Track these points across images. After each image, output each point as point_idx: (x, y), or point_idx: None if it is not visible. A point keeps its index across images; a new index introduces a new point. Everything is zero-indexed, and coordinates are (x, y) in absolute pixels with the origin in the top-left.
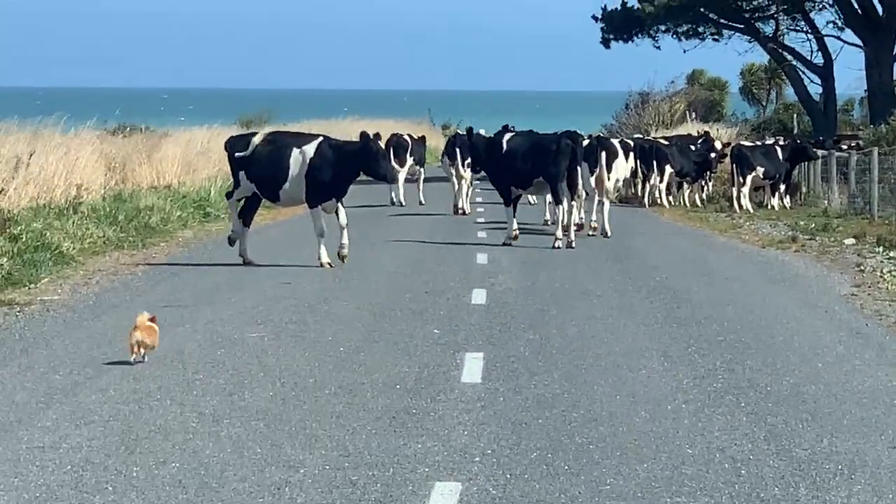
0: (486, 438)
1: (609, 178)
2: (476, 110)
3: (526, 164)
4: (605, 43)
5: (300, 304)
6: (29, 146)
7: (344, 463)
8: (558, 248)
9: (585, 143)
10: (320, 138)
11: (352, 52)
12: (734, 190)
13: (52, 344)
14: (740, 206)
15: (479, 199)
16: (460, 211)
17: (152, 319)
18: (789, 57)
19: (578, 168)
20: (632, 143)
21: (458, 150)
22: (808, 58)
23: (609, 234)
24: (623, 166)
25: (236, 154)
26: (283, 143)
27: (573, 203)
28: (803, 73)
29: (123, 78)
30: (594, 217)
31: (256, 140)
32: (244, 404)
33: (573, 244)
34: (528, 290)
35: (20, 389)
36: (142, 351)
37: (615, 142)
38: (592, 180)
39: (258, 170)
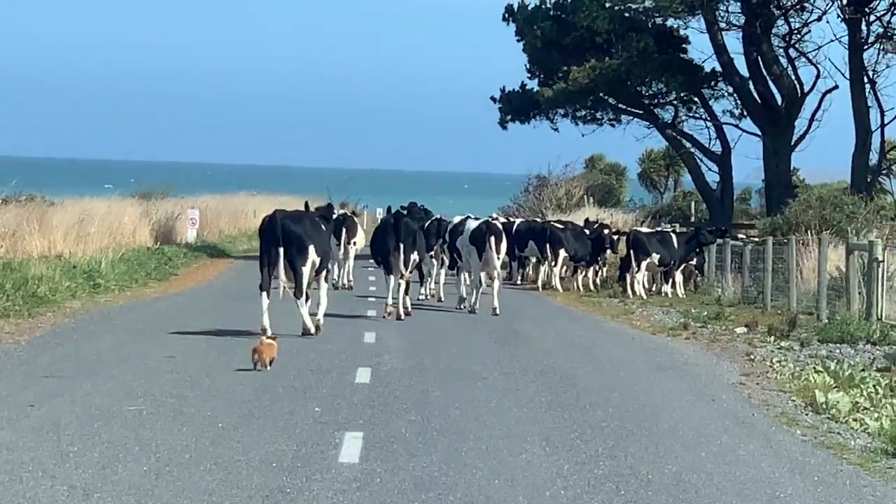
0: None
1: (497, 258)
2: (380, 189)
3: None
4: (503, 124)
5: (182, 378)
6: None
7: None
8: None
9: (474, 224)
10: None
11: (251, 127)
12: (628, 275)
13: None
14: (633, 292)
15: (371, 278)
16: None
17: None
18: (688, 144)
19: (402, 245)
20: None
21: (343, 228)
22: (707, 145)
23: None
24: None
25: None
26: None
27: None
28: (701, 160)
29: (20, 147)
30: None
31: None
32: (117, 478)
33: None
34: (413, 371)
35: None
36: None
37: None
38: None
39: None
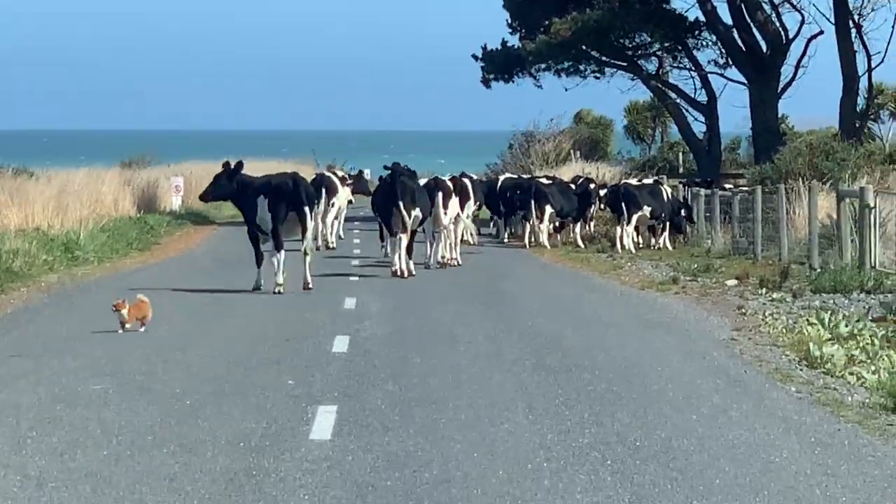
0: (327, 503)
1: (444, 215)
2: (363, 150)
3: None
4: (486, 83)
5: (153, 354)
6: None
7: None
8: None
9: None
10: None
11: (227, 92)
12: (618, 229)
13: None
14: (622, 246)
15: (356, 241)
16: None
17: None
18: (673, 95)
19: (401, 203)
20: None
21: (322, 188)
22: (692, 96)
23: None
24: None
25: None
26: None
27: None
28: (687, 110)
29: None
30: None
31: None
32: (74, 465)
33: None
34: (393, 337)
35: None
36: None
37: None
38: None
39: None
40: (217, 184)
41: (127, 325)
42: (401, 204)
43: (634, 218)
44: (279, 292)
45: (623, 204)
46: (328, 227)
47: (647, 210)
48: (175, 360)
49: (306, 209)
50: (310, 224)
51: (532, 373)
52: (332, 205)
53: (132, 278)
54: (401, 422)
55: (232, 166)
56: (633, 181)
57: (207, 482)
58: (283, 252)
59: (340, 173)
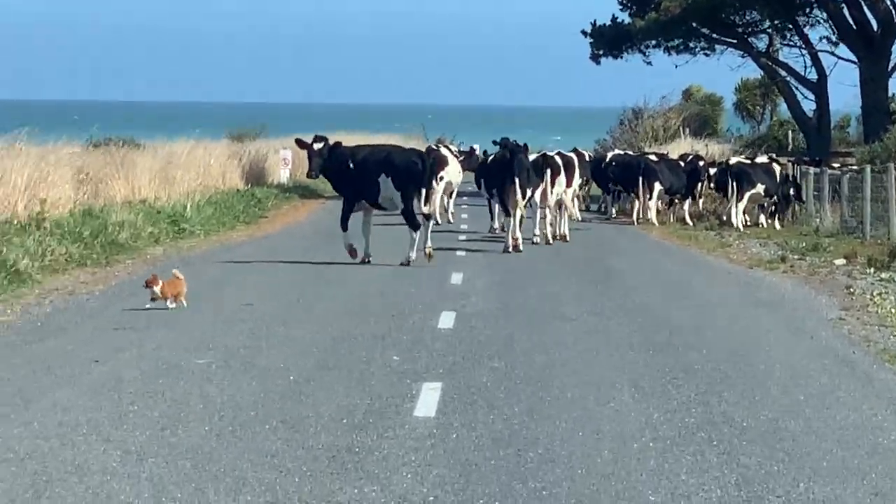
0: (430, 483)
1: (552, 191)
2: (469, 125)
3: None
4: (595, 59)
5: (257, 328)
6: None
7: None
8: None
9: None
10: None
11: (336, 65)
12: (731, 207)
13: None
14: (734, 224)
15: (463, 216)
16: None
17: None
18: (783, 72)
19: (517, 180)
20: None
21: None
22: (802, 73)
23: (550, 243)
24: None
25: None
26: None
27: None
28: (797, 88)
29: (105, 91)
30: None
31: None
32: (175, 440)
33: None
34: (499, 313)
35: None
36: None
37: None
38: (538, 193)
39: None
40: (322, 157)
41: (158, 302)
42: (517, 180)
43: (747, 196)
44: (406, 265)
45: (735, 182)
46: (439, 202)
47: (760, 188)
48: (279, 335)
49: (433, 184)
50: (435, 198)
51: (639, 351)
52: (441, 179)
53: (238, 251)
54: (506, 400)
55: (320, 142)
56: (744, 159)
57: (309, 459)
58: (421, 229)
59: (453, 148)
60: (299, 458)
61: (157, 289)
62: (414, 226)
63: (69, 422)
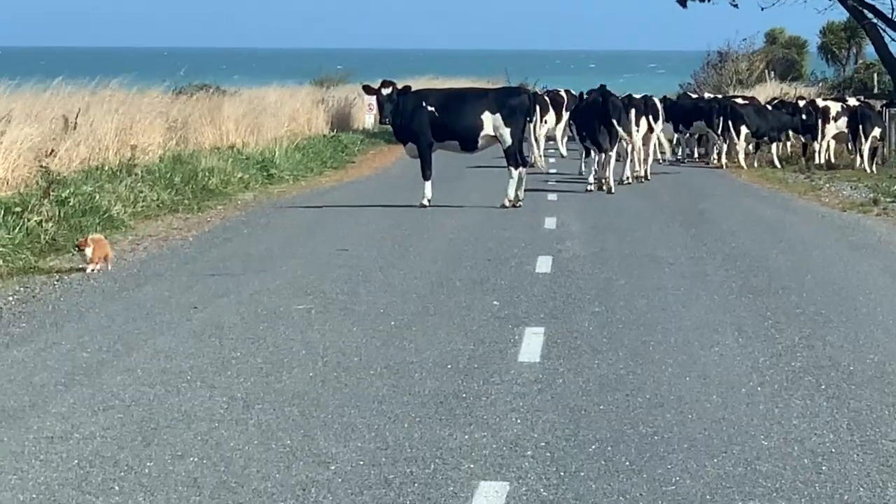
0: (540, 428)
1: (636, 132)
2: (552, 70)
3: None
4: (682, 2)
5: (354, 273)
6: (85, 106)
7: (380, 458)
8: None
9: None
10: None
11: (419, 11)
12: (860, 149)
13: (85, 317)
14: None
15: (551, 160)
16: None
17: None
18: (870, 15)
19: (613, 122)
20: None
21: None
22: (889, 16)
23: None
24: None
25: None
26: None
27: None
28: (884, 31)
29: (185, 38)
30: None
31: None
32: (280, 387)
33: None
34: (596, 258)
35: (41, 369)
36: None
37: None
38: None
39: None
40: (392, 102)
41: (92, 266)
42: (614, 121)
43: (870, 137)
44: (517, 206)
45: (860, 124)
46: (538, 145)
47: (877, 132)
48: (376, 280)
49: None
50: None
51: (739, 295)
52: (545, 122)
53: (327, 196)
54: (609, 344)
55: (388, 87)
56: (823, 101)
57: (417, 405)
58: (522, 168)
59: (562, 92)
60: (406, 403)
61: (87, 251)
62: (520, 163)
63: (172, 369)
